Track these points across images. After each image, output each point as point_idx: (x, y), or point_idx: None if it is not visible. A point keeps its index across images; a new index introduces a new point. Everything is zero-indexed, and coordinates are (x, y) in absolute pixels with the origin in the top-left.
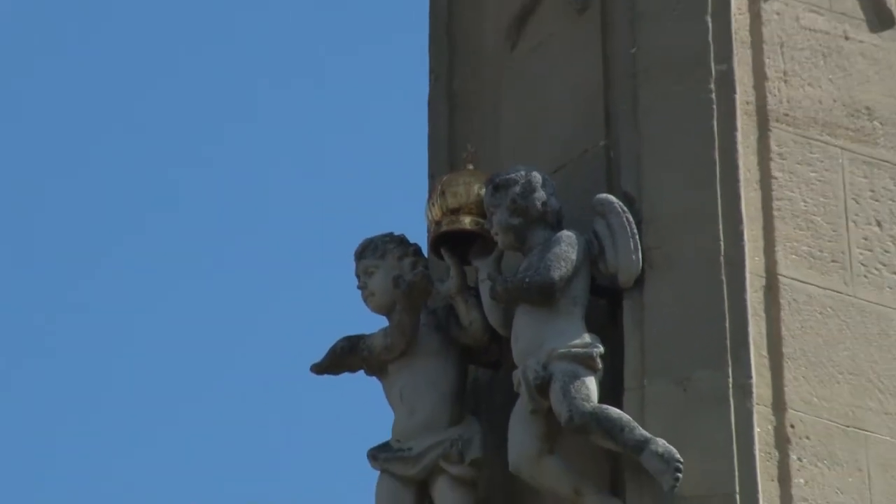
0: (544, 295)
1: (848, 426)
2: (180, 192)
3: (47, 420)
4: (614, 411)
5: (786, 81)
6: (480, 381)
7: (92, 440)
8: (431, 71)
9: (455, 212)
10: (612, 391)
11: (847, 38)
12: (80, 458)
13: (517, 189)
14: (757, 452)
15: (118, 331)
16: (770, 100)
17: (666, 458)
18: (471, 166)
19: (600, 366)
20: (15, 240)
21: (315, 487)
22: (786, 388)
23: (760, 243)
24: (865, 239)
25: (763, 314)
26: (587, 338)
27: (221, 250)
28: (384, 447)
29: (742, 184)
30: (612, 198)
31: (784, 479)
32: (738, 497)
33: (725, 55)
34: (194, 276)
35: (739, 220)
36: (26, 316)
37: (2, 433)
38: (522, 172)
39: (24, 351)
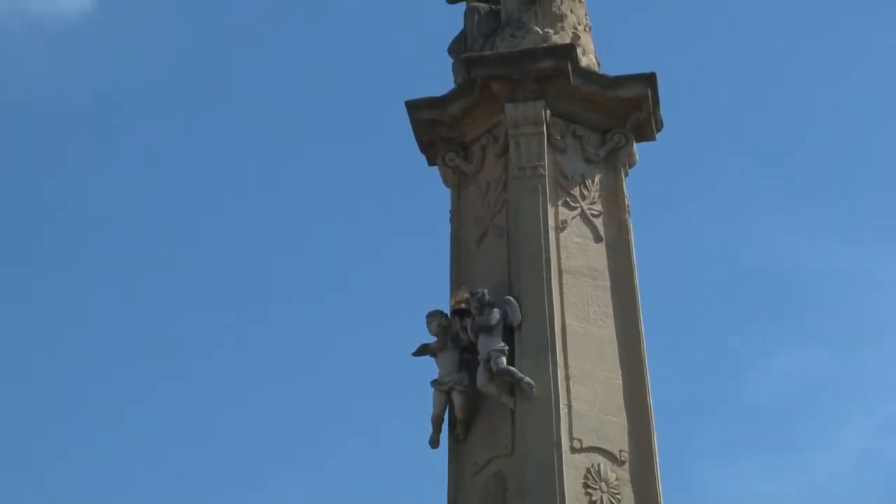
0: (488, 329)
1: (592, 376)
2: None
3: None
4: (512, 367)
5: (568, 259)
6: (468, 359)
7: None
8: (451, 255)
9: (458, 302)
10: (510, 362)
11: (589, 247)
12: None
13: (479, 295)
14: (559, 382)
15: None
16: (563, 264)
17: (529, 384)
18: (464, 287)
19: (507, 354)
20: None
21: None
22: (569, 362)
23: (560, 311)
24: (595, 314)
25: (560, 336)
26: (502, 344)
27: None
28: (435, 380)
29: (555, 295)
30: (511, 298)
31: (567, 390)
32: (552, 395)
33: (547, 250)
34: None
35: (552, 307)
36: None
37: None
38: (481, 290)
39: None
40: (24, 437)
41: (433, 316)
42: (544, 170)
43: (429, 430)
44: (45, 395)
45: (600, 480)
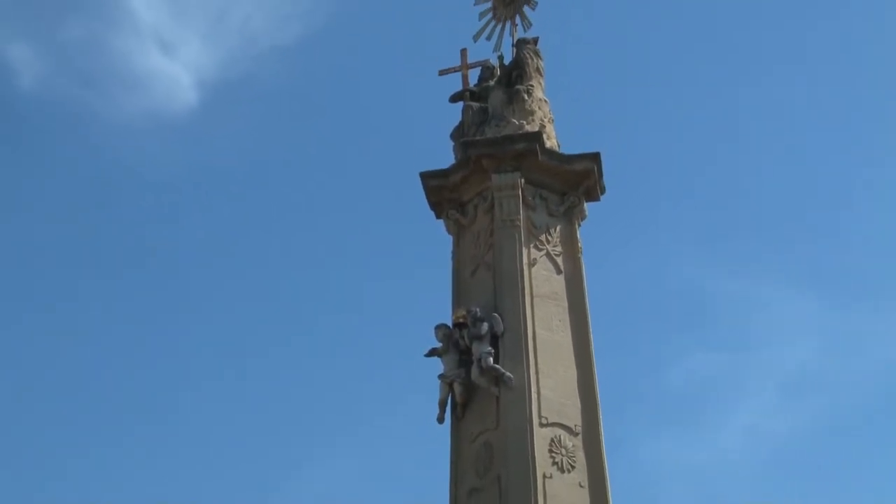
0: (480, 337)
1: (555, 371)
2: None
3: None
4: (497, 365)
5: (537, 286)
6: (465, 359)
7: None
8: (452, 283)
9: (458, 317)
10: (496, 361)
11: (552, 277)
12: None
13: (473, 312)
14: (531, 375)
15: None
16: (534, 290)
17: (509, 377)
18: (462, 307)
19: (493, 355)
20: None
21: None
22: (539, 363)
23: (531, 324)
24: (556, 326)
25: (531, 343)
26: (490, 348)
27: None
28: (441, 374)
29: (528, 313)
30: (496, 314)
31: (537, 381)
32: (526, 385)
33: (522, 280)
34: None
35: (526, 321)
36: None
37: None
38: (474, 309)
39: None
40: (43, 439)
41: (439, 328)
42: (520, 222)
43: (436, 411)
44: (60, 400)
45: (561, 447)
